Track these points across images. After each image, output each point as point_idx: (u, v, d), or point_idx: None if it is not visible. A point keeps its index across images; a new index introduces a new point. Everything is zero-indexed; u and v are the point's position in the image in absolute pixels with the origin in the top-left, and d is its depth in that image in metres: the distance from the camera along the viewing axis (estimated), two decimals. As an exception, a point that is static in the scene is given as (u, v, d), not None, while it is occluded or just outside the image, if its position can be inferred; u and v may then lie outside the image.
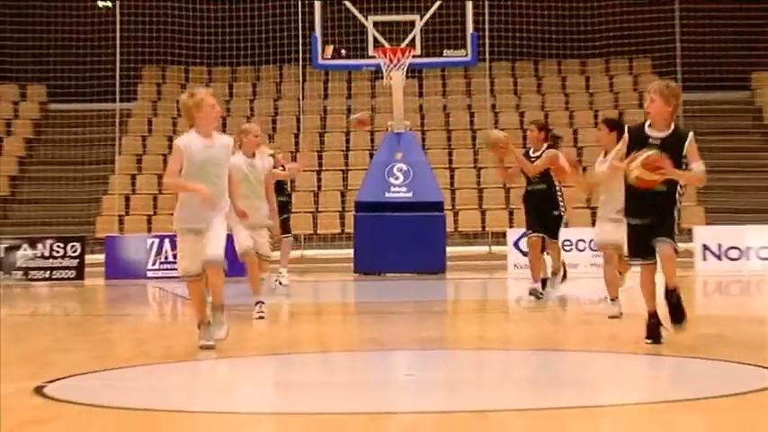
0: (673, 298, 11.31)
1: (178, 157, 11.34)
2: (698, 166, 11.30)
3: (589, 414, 7.91)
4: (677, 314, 11.41)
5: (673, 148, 11.18)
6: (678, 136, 11.36)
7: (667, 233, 11.47)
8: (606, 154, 13.91)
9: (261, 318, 14.86)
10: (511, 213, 34.28)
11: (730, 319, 15.33)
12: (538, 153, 17.68)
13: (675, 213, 12.46)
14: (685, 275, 16.19)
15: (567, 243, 27.58)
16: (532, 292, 17.92)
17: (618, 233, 13.57)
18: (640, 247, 11.66)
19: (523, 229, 30.86)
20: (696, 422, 7.54)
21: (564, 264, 18.82)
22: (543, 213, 17.84)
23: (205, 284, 11.54)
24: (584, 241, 27.44)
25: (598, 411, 8.00)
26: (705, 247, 28.19)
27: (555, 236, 18.15)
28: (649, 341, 11.48)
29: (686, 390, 9.00)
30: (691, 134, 11.42)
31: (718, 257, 27.77)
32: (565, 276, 18.66)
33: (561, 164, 17.37)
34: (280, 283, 20.09)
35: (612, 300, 14.73)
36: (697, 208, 32.14)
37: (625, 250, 12.78)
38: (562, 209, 18.00)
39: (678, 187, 12.31)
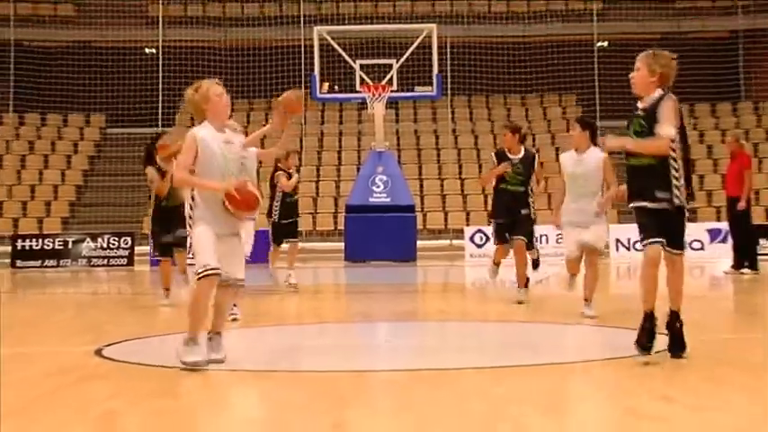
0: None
1: (192, 149, 8.05)
2: (659, 128, 7.95)
3: (526, 371, 7.88)
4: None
5: (652, 117, 8.05)
6: (657, 102, 8.08)
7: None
8: (577, 150, 11.64)
9: (234, 320, 11.14)
10: (467, 214, 34.31)
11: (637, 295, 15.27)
12: (519, 155, 13.68)
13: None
14: (603, 263, 16.27)
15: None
16: (520, 301, 13.75)
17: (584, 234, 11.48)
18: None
19: (477, 227, 31.08)
20: (606, 377, 7.52)
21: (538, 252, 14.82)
22: (517, 214, 13.70)
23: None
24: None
25: (533, 369, 7.97)
26: (618, 241, 28.22)
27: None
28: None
29: (597, 352, 8.96)
30: (666, 99, 8.05)
31: (628, 249, 27.76)
32: (537, 265, 14.67)
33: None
34: (289, 284, 16.79)
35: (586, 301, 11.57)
36: (612, 210, 32.17)
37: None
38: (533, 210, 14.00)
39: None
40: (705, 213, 32.38)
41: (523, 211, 13.75)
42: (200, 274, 7.87)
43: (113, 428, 5.84)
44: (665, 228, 7.98)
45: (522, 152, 13.79)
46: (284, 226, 17.17)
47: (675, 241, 8.04)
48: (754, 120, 38.66)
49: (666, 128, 7.87)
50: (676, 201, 7.96)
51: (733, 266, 20.06)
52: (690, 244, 25.20)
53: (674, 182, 7.94)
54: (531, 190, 13.84)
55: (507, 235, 13.89)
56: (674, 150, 7.96)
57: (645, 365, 7.86)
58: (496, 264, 14.47)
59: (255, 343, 9.66)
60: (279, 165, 17.38)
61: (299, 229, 18.27)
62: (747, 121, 38.49)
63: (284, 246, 17.23)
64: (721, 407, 6.27)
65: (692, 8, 39.04)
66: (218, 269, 7.88)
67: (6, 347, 9.72)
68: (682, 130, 8.07)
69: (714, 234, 28.16)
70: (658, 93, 8.07)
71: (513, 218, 13.75)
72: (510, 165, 13.71)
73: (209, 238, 7.98)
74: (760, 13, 37.57)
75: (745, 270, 19.74)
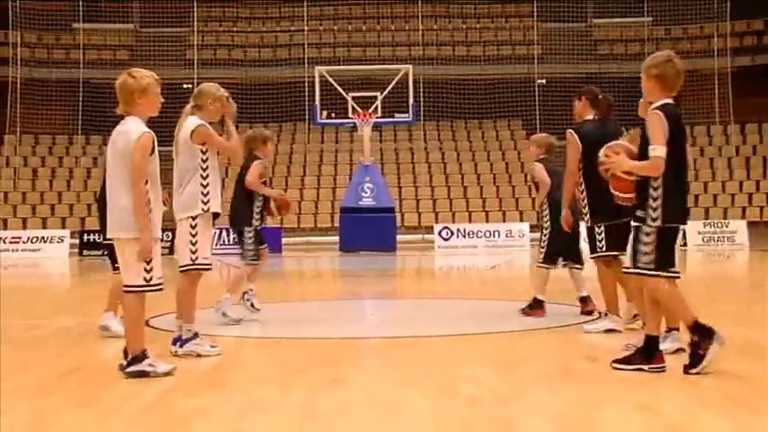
0: None
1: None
2: (651, 150, 5.69)
3: (481, 338, 7.86)
4: None
5: (645, 134, 5.83)
6: (648, 116, 5.83)
7: None
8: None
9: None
10: (437, 214, 34.28)
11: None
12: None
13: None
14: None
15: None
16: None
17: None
18: None
19: (444, 225, 31.07)
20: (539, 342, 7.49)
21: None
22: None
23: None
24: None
25: (486, 336, 7.94)
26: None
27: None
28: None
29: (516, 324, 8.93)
30: (651, 113, 5.78)
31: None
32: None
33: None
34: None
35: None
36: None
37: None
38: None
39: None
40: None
41: None
42: (201, 269, 6.89)
43: (150, 381, 5.80)
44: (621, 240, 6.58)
45: None
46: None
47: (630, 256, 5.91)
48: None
49: (656, 149, 5.68)
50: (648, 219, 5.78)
51: None
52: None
53: (651, 201, 5.76)
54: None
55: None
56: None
57: (575, 333, 7.84)
58: None
59: (266, 316, 9.62)
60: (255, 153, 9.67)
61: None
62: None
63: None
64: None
65: (609, 54, 39.14)
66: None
67: (74, 318, 9.66)
68: (673, 145, 5.76)
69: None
70: (660, 102, 5.85)
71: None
72: None
73: (209, 232, 7.00)
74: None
75: None
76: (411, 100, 29.29)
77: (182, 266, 7.07)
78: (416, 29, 39.79)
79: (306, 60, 37.23)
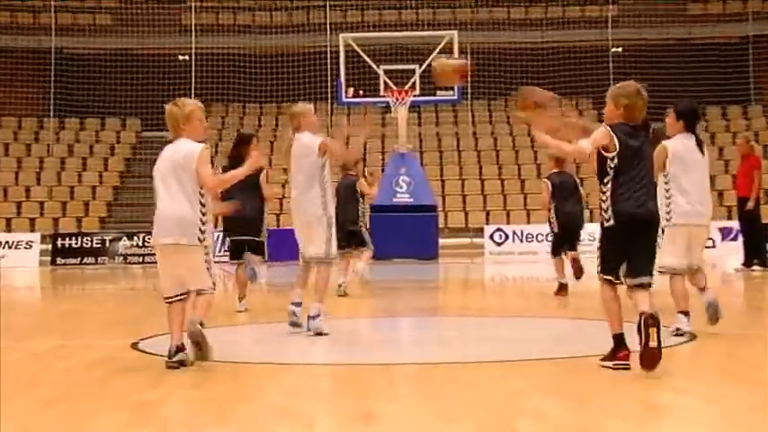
0: None
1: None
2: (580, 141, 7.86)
3: (543, 364, 7.89)
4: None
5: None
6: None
7: None
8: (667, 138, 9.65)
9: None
10: (487, 214, 34.27)
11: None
12: None
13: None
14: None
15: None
16: None
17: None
18: None
19: (496, 226, 31.07)
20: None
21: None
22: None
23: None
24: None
25: (551, 362, 7.97)
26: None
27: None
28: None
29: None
30: (601, 126, 7.80)
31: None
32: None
33: None
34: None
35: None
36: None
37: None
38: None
39: None
40: (716, 212, 32.19)
41: None
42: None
43: (150, 417, 5.89)
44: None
45: None
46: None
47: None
48: (764, 122, 38.44)
49: (584, 141, 7.69)
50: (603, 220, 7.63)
51: (744, 264, 19.98)
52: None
53: (601, 203, 7.62)
54: None
55: None
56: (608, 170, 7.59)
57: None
58: None
59: (286, 337, 9.69)
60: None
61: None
62: (757, 124, 38.30)
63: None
64: (730, 397, 6.28)
65: (703, 15, 38.85)
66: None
67: (48, 341, 9.80)
68: (623, 153, 7.51)
69: (726, 233, 28.07)
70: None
71: None
72: None
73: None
74: (769, 19, 37.49)
75: (756, 267, 19.68)
76: (456, 74, 29.25)
77: (323, 258, 9.78)
78: (463, -14, 39.80)
79: (328, 26, 37.37)
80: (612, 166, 7.54)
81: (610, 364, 7.33)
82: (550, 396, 6.41)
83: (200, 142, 8.08)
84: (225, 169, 10.26)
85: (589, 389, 6.76)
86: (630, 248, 7.43)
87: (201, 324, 7.72)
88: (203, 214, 7.72)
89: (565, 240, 14.50)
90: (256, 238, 12.23)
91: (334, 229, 9.88)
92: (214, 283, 7.82)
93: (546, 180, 14.46)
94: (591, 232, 25.25)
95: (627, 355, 7.27)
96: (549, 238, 15.71)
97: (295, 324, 9.84)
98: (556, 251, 14.62)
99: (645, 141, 7.67)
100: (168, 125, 8.17)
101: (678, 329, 9.09)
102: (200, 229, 7.67)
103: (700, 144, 9.58)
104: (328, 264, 9.92)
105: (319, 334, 9.48)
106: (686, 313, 9.17)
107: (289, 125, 10.27)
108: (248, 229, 12.13)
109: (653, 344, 6.91)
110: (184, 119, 8.08)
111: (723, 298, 13.28)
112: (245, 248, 12.33)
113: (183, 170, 7.77)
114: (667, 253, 9.31)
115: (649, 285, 7.44)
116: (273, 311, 12.02)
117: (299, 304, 9.90)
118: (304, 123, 9.95)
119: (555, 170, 14.38)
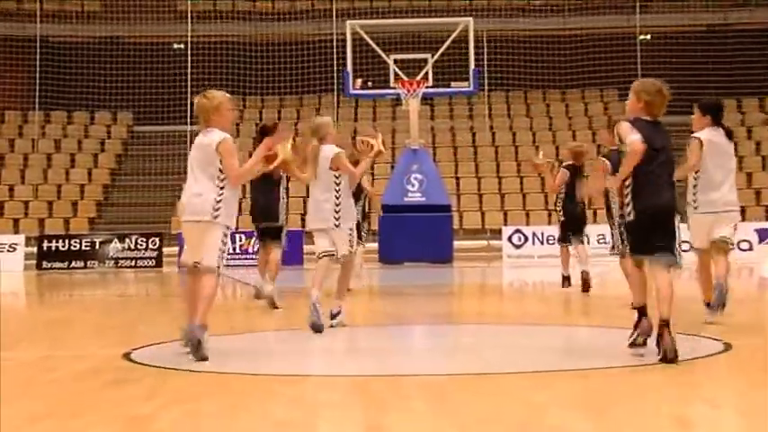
0: None
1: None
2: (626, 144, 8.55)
3: (566, 376, 7.88)
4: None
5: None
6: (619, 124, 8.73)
7: None
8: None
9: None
10: (505, 214, 34.27)
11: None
12: None
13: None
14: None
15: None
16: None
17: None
18: None
19: (515, 227, 31.07)
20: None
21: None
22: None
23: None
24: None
25: (574, 374, 7.97)
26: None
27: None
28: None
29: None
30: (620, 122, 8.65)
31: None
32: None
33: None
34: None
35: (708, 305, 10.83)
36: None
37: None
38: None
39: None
40: (754, 212, 32.19)
41: None
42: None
43: (143, 433, 5.91)
44: None
45: None
46: None
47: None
48: (805, 114, 38.39)
49: (630, 138, 8.39)
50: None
51: None
52: (738, 244, 24.91)
53: (623, 198, 8.66)
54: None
55: None
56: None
57: (690, 370, 7.85)
58: None
59: (287, 346, 9.69)
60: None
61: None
62: (798, 116, 38.23)
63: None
64: (764, 410, 6.27)
65: (740, -2, 38.82)
66: None
67: (35, 350, 9.81)
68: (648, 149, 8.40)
69: (763, 234, 28.01)
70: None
71: None
72: None
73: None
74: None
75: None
76: (472, 64, 29.30)
77: (342, 255, 10.87)
78: (479, -31, 39.78)
79: (334, 12, 37.40)
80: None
81: (632, 337, 8.61)
82: (574, 410, 6.40)
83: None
84: None
85: (615, 402, 6.76)
86: (652, 236, 8.42)
87: (204, 327, 8.56)
88: (220, 195, 8.78)
89: (570, 229, 16.01)
90: (275, 224, 14.06)
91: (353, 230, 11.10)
92: (219, 267, 8.73)
93: (564, 169, 15.79)
94: (600, 234, 25.53)
95: (649, 327, 8.47)
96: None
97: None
98: (563, 239, 16.20)
99: (662, 136, 8.59)
100: (199, 116, 9.16)
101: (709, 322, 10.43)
102: (214, 208, 8.74)
103: (729, 134, 10.93)
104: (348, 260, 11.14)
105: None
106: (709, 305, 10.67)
107: (311, 135, 11.36)
108: (266, 216, 14.00)
109: (667, 340, 7.93)
110: (214, 110, 9.04)
111: (761, 304, 13.18)
112: (267, 234, 14.19)
113: (206, 156, 8.86)
114: (696, 237, 10.90)
115: (673, 263, 8.42)
116: (276, 319, 12.02)
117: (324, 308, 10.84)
118: (328, 135, 11.07)
119: (570, 162, 15.81)
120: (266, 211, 14.02)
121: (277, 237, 14.13)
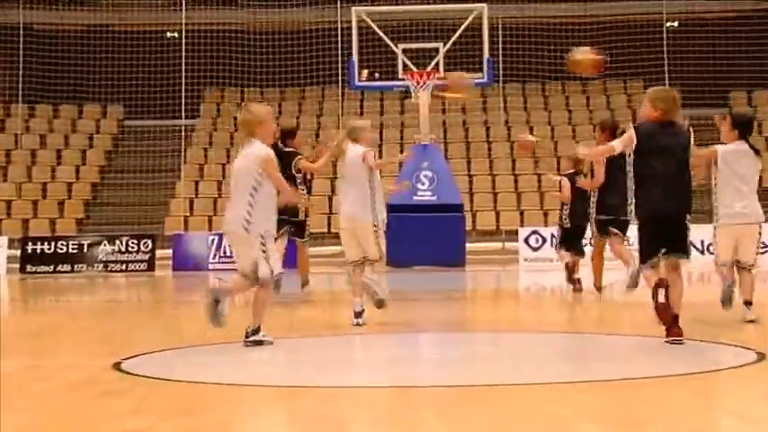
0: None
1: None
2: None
3: (588, 387, 7.89)
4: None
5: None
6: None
7: None
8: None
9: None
10: (521, 214, 34.27)
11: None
12: None
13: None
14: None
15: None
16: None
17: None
18: None
19: (532, 228, 31.05)
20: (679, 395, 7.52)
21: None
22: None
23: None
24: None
25: (594, 385, 7.98)
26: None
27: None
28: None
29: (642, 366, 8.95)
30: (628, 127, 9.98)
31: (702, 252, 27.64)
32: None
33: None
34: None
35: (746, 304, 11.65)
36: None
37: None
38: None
39: None
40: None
41: None
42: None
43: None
44: None
45: None
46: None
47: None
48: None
49: (616, 141, 10.03)
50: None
51: None
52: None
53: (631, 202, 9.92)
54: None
55: None
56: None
57: (718, 382, 7.85)
58: None
59: (290, 355, 9.70)
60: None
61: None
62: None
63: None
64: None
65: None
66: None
67: (19, 360, 9.83)
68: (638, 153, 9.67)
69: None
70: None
71: None
72: None
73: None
74: None
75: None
76: (486, 53, 29.32)
77: (374, 259, 12.79)
78: (493, -48, 39.77)
79: (338, -2, 37.41)
80: (632, 166, 9.65)
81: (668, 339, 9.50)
82: (599, 424, 6.41)
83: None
84: None
85: (641, 416, 6.76)
86: (659, 241, 9.47)
87: (258, 329, 10.02)
88: (251, 207, 9.81)
89: (572, 237, 17.19)
90: (295, 218, 15.43)
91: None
92: (266, 273, 9.83)
93: (565, 178, 16.96)
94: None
95: (678, 333, 9.43)
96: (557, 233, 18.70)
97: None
98: (563, 246, 17.39)
99: (671, 136, 9.53)
100: (242, 130, 10.20)
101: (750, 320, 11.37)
102: (246, 220, 9.78)
103: (755, 150, 11.86)
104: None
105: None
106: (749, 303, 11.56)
107: (345, 136, 12.44)
108: (286, 210, 14.34)
109: (661, 300, 9.38)
110: (258, 124, 10.03)
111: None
112: (287, 228, 15.34)
113: (247, 164, 9.88)
114: (722, 250, 11.76)
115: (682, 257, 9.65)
116: (282, 327, 12.02)
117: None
118: (363, 138, 12.40)
119: (571, 171, 16.93)
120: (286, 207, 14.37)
121: (299, 233, 15.76)
